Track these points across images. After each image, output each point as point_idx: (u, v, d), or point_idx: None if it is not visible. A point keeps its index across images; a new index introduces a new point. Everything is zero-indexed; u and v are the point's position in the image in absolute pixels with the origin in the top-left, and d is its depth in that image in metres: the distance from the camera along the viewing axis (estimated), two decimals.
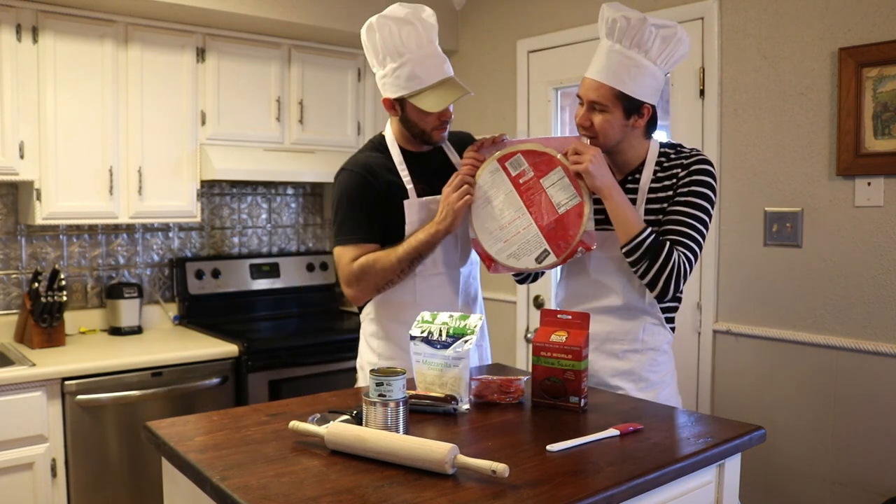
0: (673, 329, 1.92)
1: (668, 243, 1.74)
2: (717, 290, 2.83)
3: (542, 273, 2.01)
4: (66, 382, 2.60)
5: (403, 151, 2.02)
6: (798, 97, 2.57)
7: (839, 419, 2.50)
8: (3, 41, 2.74)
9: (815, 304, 2.56)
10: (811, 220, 2.56)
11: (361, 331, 2.17)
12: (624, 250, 1.76)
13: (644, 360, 1.86)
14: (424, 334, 1.66)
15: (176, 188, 3.19)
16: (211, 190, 3.65)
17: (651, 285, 1.75)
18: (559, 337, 1.65)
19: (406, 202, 1.97)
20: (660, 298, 1.79)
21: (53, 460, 2.59)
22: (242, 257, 3.66)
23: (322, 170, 3.42)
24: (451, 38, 3.83)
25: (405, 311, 2.01)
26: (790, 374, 2.63)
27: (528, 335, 3.50)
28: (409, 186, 1.98)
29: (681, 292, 1.87)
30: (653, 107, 1.84)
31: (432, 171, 2.03)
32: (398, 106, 1.94)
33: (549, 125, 3.41)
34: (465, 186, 1.87)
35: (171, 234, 3.53)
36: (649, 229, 1.74)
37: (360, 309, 2.14)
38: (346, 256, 1.95)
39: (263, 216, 3.83)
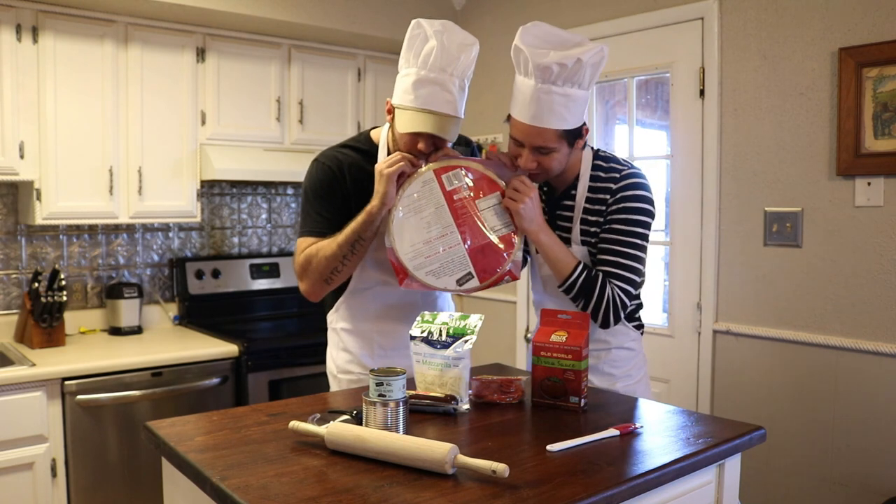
0: (639, 327, 1.95)
1: (601, 277, 1.74)
2: (717, 290, 2.83)
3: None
4: (66, 382, 2.60)
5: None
6: (798, 97, 2.57)
7: (839, 419, 2.50)
8: (3, 41, 2.74)
9: (815, 304, 2.56)
10: (811, 220, 2.56)
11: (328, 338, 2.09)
12: (561, 289, 1.78)
13: (607, 356, 1.91)
14: (424, 334, 1.66)
15: (176, 188, 3.19)
16: (211, 190, 3.65)
17: (592, 318, 1.76)
18: (559, 337, 1.65)
19: None
20: (603, 327, 1.79)
21: (53, 460, 2.58)
22: (242, 257, 3.66)
23: None
24: None
25: (363, 321, 1.97)
26: (790, 374, 2.62)
27: (528, 335, 3.50)
28: None
29: (638, 298, 1.91)
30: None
31: None
32: (392, 114, 1.82)
33: None
34: (403, 162, 1.73)
35: (171, 234, 3.52)
36: (580, 266, 1.74)
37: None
38: (300, 248, 1.87)
39: (263, 216, 3.83)
